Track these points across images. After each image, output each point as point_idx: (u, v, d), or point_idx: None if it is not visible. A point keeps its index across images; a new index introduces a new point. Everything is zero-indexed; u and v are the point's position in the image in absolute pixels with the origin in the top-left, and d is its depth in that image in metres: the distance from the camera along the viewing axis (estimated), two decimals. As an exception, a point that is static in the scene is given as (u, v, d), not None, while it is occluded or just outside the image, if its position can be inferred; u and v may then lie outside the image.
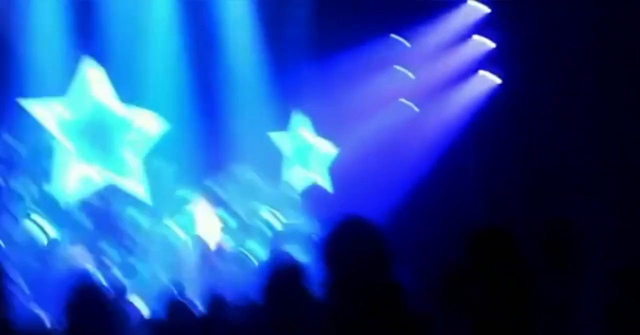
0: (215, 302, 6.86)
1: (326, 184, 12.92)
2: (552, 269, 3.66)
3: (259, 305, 3.59)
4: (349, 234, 2.42)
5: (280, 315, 3.27)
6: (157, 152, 11.44)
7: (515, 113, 12.66)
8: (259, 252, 11.44)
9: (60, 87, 10.56)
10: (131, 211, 10.73)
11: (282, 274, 3.39)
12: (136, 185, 10.60)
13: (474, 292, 3.07)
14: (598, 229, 8.92)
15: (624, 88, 11.82)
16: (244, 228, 11.92)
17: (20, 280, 9.30)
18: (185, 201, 11.29)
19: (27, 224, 9.44)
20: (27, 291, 9.23)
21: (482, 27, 13.15)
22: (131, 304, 9.34)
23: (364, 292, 2.32)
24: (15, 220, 9.94)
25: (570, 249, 3.72)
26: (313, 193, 12.73)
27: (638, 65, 11.67)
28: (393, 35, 13.31)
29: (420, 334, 2.34)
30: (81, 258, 9.67)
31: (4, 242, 9.71)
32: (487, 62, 13.25)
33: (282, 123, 12.97)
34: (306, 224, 11.96)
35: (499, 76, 13.10)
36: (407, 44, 13.35)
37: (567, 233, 3.81)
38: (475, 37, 13.29)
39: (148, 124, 10.93)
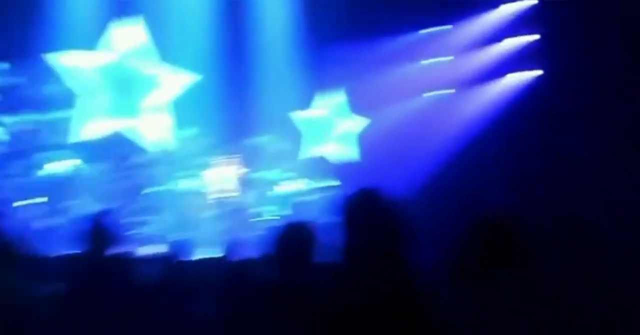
0: (221, 258, 7.10)
1: (351, 156, 13.16)
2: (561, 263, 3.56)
3: (266, 262, 3.76)
4: (366, 201, 2.46)
5: (284, 273, 3.41)
6: (190, 114, 11.85)
7: (547, 109, 12.56)
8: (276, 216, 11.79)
9: (89, 42, 10.88)
10: (151, 163, 11.25)
11: (289, 235, 3.52)
12: (159, 139, 11.11)
13: (476, 279, 2.91)
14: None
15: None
16: (265, 193, 12.32)
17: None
18: (205, 163, 11.62)
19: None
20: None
21: (519, 23, 13.08)
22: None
23: (373, 258, 2.35)
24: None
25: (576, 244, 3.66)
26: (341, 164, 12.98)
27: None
28: (423, 31, 13.43)
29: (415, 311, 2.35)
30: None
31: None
32: (524, 57, 13.18)
33: (310, 101, 13.16)
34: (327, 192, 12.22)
35: (537, 70, 13.04)
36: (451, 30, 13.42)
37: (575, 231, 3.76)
38: (509, 39, 13.19)
39: (180, 81, 11.30)
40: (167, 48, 11.46)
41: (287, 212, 11.50)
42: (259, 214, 11.63)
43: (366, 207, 2.48)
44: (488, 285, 2.84)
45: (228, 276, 5.63)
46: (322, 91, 13.20)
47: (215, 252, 8.07)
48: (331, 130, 13.22)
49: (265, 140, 12.66)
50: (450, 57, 13.55)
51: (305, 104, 13.12)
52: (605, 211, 10.43)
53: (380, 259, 2.38)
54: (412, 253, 2.49)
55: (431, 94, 13.53)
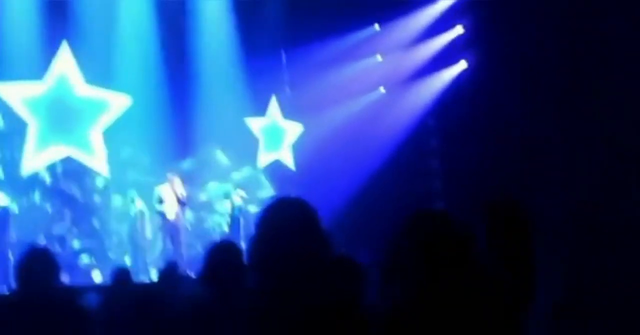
0: (167, 272, 7.29)
1: (291, 163, 13.31)
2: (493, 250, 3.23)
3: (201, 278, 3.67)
4: (277, 210, 2.46)
5: (216, 288, 3.40)
6: (129, 135, 11.82)
7: (481, 99, 12.79)
8: (221, 229, 11.81)
9: (32, 71, 10.91)
10: (92, 187, 11.19)
11: (218, 251, 3.49)
12: (99, 163, 11.02)
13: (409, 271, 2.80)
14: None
15: (594, 79, 11.79)
16: (209, 206, 12.31)
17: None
18: (151, 181, 11.55)
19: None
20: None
21: (455, 15, 13.42)
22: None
23: (284, 267, 2.36)
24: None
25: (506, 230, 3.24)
26: (279, 173, 13.10)
27: (608, 54, 11.66)
28: (376, 26, 13.63)
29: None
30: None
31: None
32: (458, 48, 13.44)
33: (257, 108, 13.28)
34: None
35: (467, 61, 13.31)
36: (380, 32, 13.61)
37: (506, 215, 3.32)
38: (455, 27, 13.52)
39: (116, 104, 11.29)
40: (106, 72, 11.56)
41: (226, 227, 11.49)
42: (201, 232, 11.60)
43: (274, 219, 2.46)
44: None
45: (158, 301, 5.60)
46: (266, 99, 13.30)
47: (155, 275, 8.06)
48: (283, 136, 13.36)
49: (205, 155, 12.63)
50: (380, 58, 13.69)
51: (250, 112, 13.19)
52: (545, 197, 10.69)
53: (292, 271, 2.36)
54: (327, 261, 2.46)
55: (365, 95, 13.68)
